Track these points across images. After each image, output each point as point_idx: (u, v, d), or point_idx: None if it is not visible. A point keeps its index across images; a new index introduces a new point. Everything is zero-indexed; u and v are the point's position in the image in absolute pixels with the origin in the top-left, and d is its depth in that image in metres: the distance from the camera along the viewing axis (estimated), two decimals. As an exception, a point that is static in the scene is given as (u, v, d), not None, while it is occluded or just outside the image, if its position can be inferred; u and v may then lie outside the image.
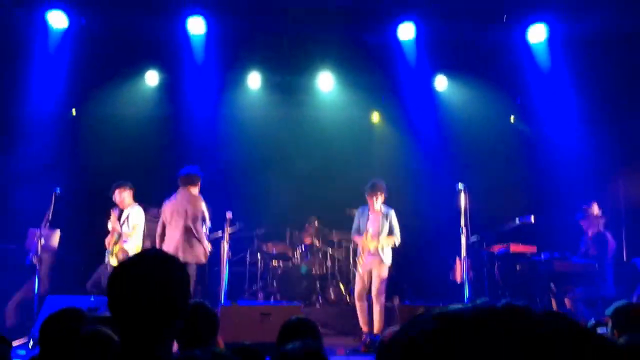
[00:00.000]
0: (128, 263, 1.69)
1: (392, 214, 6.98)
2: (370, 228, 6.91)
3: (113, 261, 6.86)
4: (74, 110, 6.63)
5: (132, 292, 1.59)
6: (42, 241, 6.81)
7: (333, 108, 9.49)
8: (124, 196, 7.16)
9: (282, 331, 2.93)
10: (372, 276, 6.82)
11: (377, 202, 6.93)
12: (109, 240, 7.03)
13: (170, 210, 6.60)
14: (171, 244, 6.40)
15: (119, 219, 7.06)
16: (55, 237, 7.44)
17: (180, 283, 1.64)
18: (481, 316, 0.63)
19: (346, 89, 9.26)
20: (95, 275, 6.97)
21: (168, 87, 9.21)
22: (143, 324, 1.57)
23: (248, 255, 8.68)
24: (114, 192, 7.15)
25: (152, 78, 9.10)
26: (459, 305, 0.68)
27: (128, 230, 6.98)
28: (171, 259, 1.70)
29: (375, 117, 10.17)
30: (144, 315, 1.57)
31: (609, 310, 2.82)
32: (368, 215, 6.99)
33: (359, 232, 7.02)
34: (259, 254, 8.66)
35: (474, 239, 6.95)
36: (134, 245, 6.96)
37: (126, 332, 1.60)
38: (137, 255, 1.73)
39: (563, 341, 0.60)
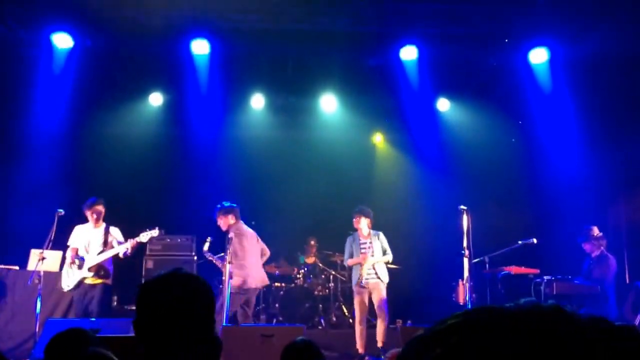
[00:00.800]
0: (160, 281, 1.70)
1: (382, 235, 7.43)
2: (364, 252, 7.36)
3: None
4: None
5: (163, 309, 1.61)
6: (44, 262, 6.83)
7: (336, 129, 9.59)
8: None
9: (284, 353, 2.94)
10: (372, 298, 7.20)
11: (364, 227, 7.38)
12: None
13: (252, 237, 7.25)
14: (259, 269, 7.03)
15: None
16: (58, 259, 7.46)
17: (208, 303, 1.68)
18: (526, 312, 0.61)
19: (349, 110, 9.36)
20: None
21: (172, 107, 9.32)
22: (171, 342, 1.58)
23: None
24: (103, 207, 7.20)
25: (156, 99, 9.20)
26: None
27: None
28: (200, 280, 1.72)
29: (378, 138, 10.28)
30: (172, 333, 1.58)
31: None
32: (359, 240, 7.41)
33: (352, 257, 7.45)
34: None
35: (476, 260, 7.00)
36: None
37: (151, 352, 1.61)
38: (168, 274, 1.73)
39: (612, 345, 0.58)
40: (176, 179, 9.12)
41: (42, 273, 6.67)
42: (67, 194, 8.26)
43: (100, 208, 7.15)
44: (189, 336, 1.60)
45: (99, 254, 6.99)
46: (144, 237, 6.99)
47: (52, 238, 6.73)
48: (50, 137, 8.72)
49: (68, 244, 7.14)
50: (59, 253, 7.40)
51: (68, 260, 7.05)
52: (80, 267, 6.99)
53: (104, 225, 7.17)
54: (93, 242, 7.08)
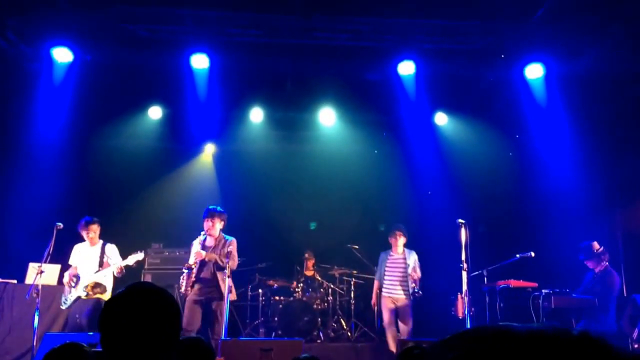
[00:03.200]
0: (120, 297, 1.72)
1: (414, 255, 7.72)
2: (394, 271, 7.61)
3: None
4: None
5: (124, 325, 1.62)
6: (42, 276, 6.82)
7: (335, 143, 9.63)
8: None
9: None
10: (398, 310, 7.58)
11: (401, 245, 7.68)
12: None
13: None
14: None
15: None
16: (56, 272, 7.45)
17: (171, 315, 1.69)
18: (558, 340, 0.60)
19: (348, 124, 9.40)
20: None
21: (171, 121, 9.35)
22: (135, 356, 1.59)
23: (249, 290, 8.73)
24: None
25: (155, 112, 9.24)
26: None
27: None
28: (161, 292, 1.73)
29: (377, 152, 10.28)
30: (135, 348, 1.59)
31: None
32: (391, 256, 7.71)
33: (380, 277, 7.76)
34: (260, 289, 8.68)
35: (475, 273, 7.02)
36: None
37: None
38: (128, 289, 1.75)
39: None
40: (174, 191, 9.13)
41: (40, 287, 6.62)
42: (66, 207, 8.27)
43: (95, 227, 7.22)
44: (153, 349, 1.61)
45: (95, 272, 7.07)
46: (130, 259, 7.11)
47: (50, 252, 6.71)
48: (49, 150, 8.74)
49: (69, 262, 7.23)
50: (58, 267, 7.39)
51: (66, 279, 7.12)
52: (76, 285, 7.07)
53: (100, 243, 7.24)
54: (89, 260, 7.16)
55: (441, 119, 9.31)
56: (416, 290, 7.49)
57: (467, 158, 9.10)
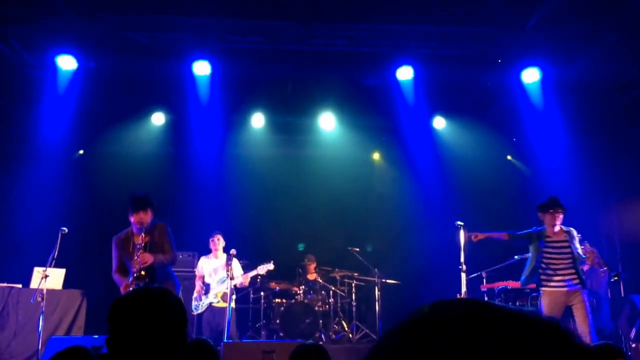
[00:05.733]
0: (128, 298, 1.74)
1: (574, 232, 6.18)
2: (554, 252, 6.06)
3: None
4: (81, 150, 6.74)
5: (131, 326, 1.64)
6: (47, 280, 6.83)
7: (334, 147, 9.68)
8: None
9: (293, 357, 2.94)
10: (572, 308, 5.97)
11: (557, 225, 6.06)
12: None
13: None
14: None
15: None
16: (61, 277, 7.48)
17: (177, 317, 1.70)
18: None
19: (347, 129, 9.45)
20: None
21: (174, 127, 9.42)
22: (141, 357, 1.61)
23: (251, 293, 8.73)
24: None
25: (158, 118, 9.29)
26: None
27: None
28: (168, 294, 1.76)
29: (376, 156, 10.38)
30: (142, 349, 1.61)
31: None
32: (547, 238, 6.11)
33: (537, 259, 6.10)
34: (262, 291, 8.68)
35: (473, 275, 7.04)
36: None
37: None
38: (137, 291, 1.78)
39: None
40: (178, 196, 9.17)
41: (45, 291, 6.61)
42: (70, 213, 8.33)
43: (218, 239, 7.86)
44: (160, 350, 1.63)
45: (223, 282, 7.58)
46: (261, 269, 7.82)
47: (55, 256, 6.68)
48: (54, 156, 8.81)
49: (196, 272, 7.94)
50: (62, 271, 7.44)
51: (197, 287, 7.84)
52: (207, 293, 7.79)
53: (225, 255, 7.76)
54: (217, 271, 7.71)
55: (439, 123, 9.36)
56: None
57: (465, 161, 9.16)
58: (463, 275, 6.66)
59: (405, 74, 8.10)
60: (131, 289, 4.95)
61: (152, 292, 1.77)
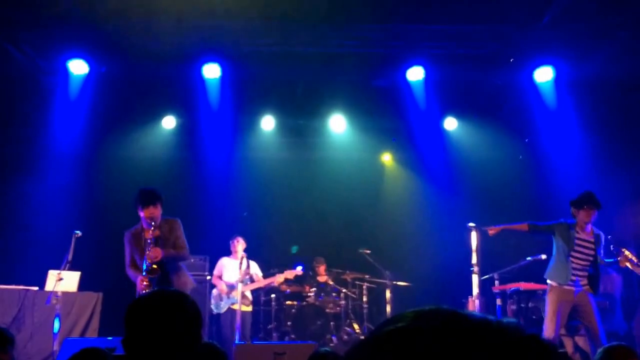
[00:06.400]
0: (145, 300, 1.81)
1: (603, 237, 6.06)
2: (577, 251, 5.85)
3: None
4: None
5: (147, 327, 1.70)
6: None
7: (345, 149, 9.70)
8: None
9: None
10: (579, 310, 5.86)
11: (591, 219, 5.82)
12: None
13: None
14: None
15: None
16: (75, 279, 7.63)
17: (192, 319, 1.76)
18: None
19: (358, 130, 9.47)
20: None
21: (184, 130, 9.50)
22: (156, 357, 1.67)
23: (262, 295, 8.77)
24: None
25: (169, 122, 9.40)
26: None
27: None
28: (184, 297, 1.81)
29: (387, 157, 10.39)
30: (157, 349, 1.67)
31: (598, 354, 2.88)
32: (576, 234, 5.86)
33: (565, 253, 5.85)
34: (273, 293, 8.73)
35: (486, 277, 7.05)
36: None
37: None
38: (153, 293, 1.85)
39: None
40: (188, 199, 9.26)
41: (60, 293, 6.76)
42: (84, 216, 8.46)
43: (236, 242, 7.96)
44: (174, 351, 1.68)
45: (245, 285, 7.64)
46: (288, 274, 8.03)
47: (70, 259, 6.81)
48: (67, 160, 8.92)
49: (215, 273, 8.13)
50: (77, 274, 7.53)
51: (223, 287, 7.97)
52: (228, 294, 7.92)
53: (243, 257, 7.58)
54: (236, 273, 7.58)
55: (451, 123, 9.36)
56: None
57: (477, 162, 9.15)
58: (475, 276, 6.69)
59: (416, 74, 8.12)
60: (145, 283, 5.07)
61: (168, 294, 1.83)
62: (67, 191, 8.93)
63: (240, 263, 7.22)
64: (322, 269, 9.04)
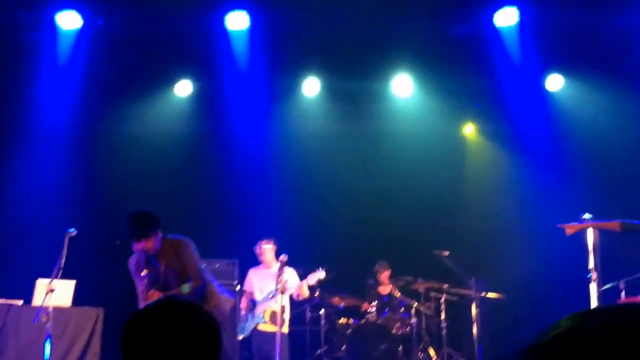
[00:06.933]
0: (146, 315, 1.78)
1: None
2: None
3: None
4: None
5: (150, 351, 1.69)
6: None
7: (413, 120, 9.64)
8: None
9: None
10: None
11: None
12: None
13: None
14: None
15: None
16: (70, 290, 7.65)
17: (209, 338, 1.74)
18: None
19: (429, 94, 9.39)
20: None
21: (203, 98, 9.52)
22: None
23: (309, 311, 8.80)
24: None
25: (184, 88, 9.42)
26: None
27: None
28: (197, 309, 1.79)
29: (469, 129, 10.30)
30: None
31: None
32: None
33: None
34: (322, 309, 8.74)
35: (608, 286, 6.82)
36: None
37: None
38: (155, 305, 1.82)
39: None
40: (211, 186, 9.25)
41: (51, 309, 6.73)
42: (79, 210, 8.55)
43: (267, 246, 8.08)
44: None
45: (272, 297, 7.80)
46: (311, 279, 7.97)
47: (62, 265, 6.76)
48: (56, 139, 9.04)
49: (244, 288, 8.28)
50: (72, 283, 7.56)
51: (243, 304, 8.23)
52: (252, 312, 8.12)
53: (276, 265, 7.73)
54: (267, 285, 7.92)
55: (555, 82, 9.15)
56: None
57: (591, 133, 8.89)
58: (593, 285, 6.46)
59: (507, 17, 8.03)
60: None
61: (176, 305, 1.81)
62: (57, 179, 9.04)
63: (279, 274, 7.27)
64: (385, 276, 9.03)
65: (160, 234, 5.50)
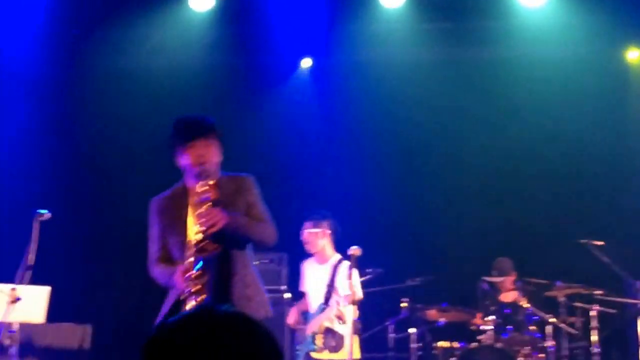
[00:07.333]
0: (174, 334, 1.78)
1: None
2: None
3: None
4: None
5: None
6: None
7: (548, 43, 9.65)
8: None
9: None
10: None
11: None
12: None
13: None
14: None
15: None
16: (42, 299, 7.61)
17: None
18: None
19: (573, 7, 9.30)
20: None
21: (229, 13, 9.52)
22: None
23: (392, 330, 8.84)
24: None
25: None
26: None
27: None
28: (252, 325, 1.82)
29: (633, 55, 10.16)
30: None
31: None
32: None
33: None
34: (413, 325, 8.75)
35: None
36: None
37: None
38: (191, 316, 1.86)
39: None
40: (245, 146, 9.17)
41: (16, 327, 6.85)
42: (53, 183, 8.67)
43: (313, 231, 8.00)
44: None
45: (322, 309, 7.90)
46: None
47: (31, 262, 6.82)
48: (20, 85, 9.16)
49: (300, 289, 8.34)
50: (45, 290, 7.55)
51: (291, 319, 8.31)
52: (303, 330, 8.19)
53: (334, 258, 7.95)
54: (319, 288, 8.00)
55: None
56: None
57: None
58: None
59: None
60: (192, 278, 5.03)
61: (224, 320, 1.81)
62: (22, 141, 9.15)
63: (334, 272, 7.52)
64: (508, 280, 9.12)
65: (220, 152, 5.46)
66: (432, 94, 9.68)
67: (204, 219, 5.04)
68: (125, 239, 8.19)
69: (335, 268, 7.63)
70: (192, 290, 4.98)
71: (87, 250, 8.37)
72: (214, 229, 5.01)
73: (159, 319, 5.27)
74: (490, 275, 9.01)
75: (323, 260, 7.93)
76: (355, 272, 7.58)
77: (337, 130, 9.72)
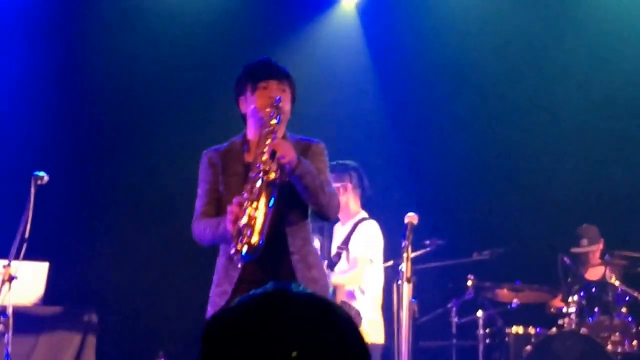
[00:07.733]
0: (245, 315, 1.83)
1: None
2: None
3: None
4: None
5: None
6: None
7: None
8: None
9: None
10: None
11: None
12: None
13: None
14: None
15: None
16: (42, 277, 7.67)
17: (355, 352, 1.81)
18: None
19: None
20: None
21: None
22: None
23: (455, 312, 8.84)
24: None
25: None
26: None
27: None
28: (331, 307, 1.85)
29: None
30: None
31: None
32: None
33: None
34: (479, 308, 8.79)
35: None
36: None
37: None
38: (258, 298, 1.86)
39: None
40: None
41: (11, 309, 6.82)
42: (51, 142, 8.73)
43: (334, 184, 7.86)
44: None
45: (336, 277, 7.75)
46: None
47: (27, 234, 6.83)
48: (9, 23, 9.20)
49: None
50: (43, 266, 7.67)
51: None
52: None
53: (359, 216, 7.97)
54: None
55: None
56: None
57: None
58: None
59: None
60: (247, 208, 5.12)
61: (298, 304, 1.84)
62: (15, 92, 9.19)
63: (352, 230, 7.70)
64: (594, 252, 9.11)
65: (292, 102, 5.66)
66: (511, 36, 9.71)
67: (273, 144, 5.15)
68: (136, 206, 8.29)
69: (354, 226, 7.68)
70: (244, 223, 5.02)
71: (91, 218, 8.31)
72: (284, 160, 5.09)
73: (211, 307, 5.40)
74: (574, 246, 8.89)
75: (346, 218, 7.90)
76: (373, 234, 7.80)
77: (388, 81, 9.73)
